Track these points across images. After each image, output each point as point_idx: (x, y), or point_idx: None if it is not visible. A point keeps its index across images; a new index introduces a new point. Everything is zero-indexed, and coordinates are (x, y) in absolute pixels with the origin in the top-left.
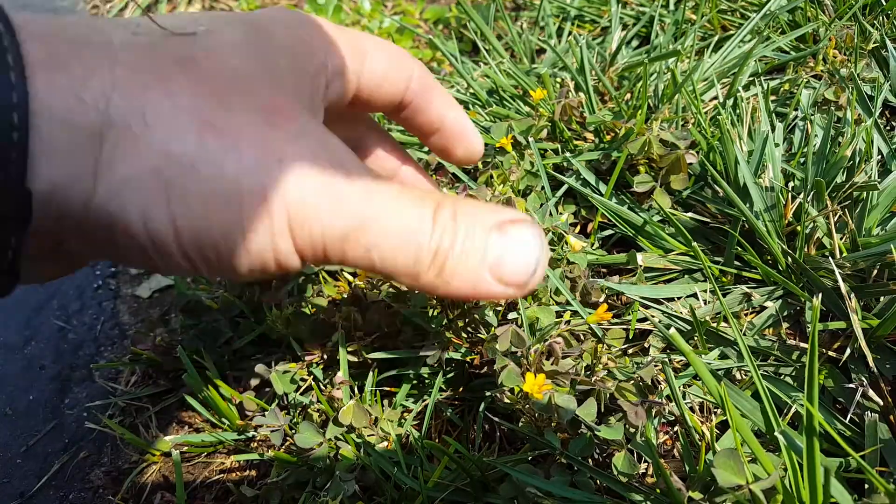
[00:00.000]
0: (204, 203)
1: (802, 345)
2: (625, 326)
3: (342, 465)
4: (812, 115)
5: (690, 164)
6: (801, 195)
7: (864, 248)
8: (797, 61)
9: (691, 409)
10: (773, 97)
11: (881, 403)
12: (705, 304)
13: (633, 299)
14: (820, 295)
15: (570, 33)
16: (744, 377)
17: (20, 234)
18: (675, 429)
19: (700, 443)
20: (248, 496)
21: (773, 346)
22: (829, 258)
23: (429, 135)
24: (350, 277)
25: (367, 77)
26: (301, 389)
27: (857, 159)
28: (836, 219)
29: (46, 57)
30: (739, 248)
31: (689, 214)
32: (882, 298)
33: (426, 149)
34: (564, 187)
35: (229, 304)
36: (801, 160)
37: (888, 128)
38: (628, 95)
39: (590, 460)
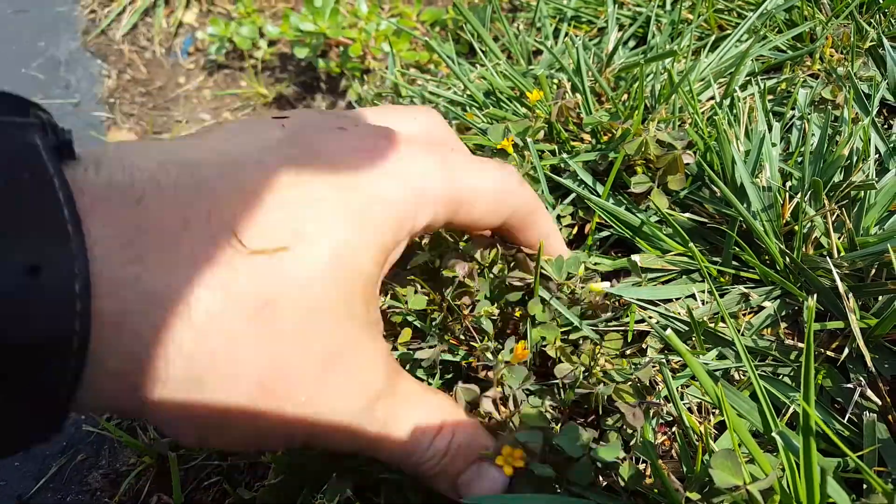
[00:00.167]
0: (236, 438)
1: (800, 345)
2: (622, 328)
3: (340, 467)
4: (809, 114)
5: (688, 164)
6: (799, 195)
7: (861, 247)
8: (794, 60)
9: (689, 409)
10: (770, 97)
11: (879, 403)
12: (703, 304)
13: (632, 301)
14: (815, 295)
15: (566, 34)
16: (742, 377)
17: (55, 432)
18: (673, 429)
19: (698, 443)
20: (244, 498)
21: (771, 347)
22: (827, 258)
23: (524, 247)
24: None
25: (460, 219)
26: None
27: (855, 158)
28: (833, 218)
29: (117, 315)
30: (737, 249)
31: (687, 215)
32: (880, 298)
33: None
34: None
35: None
36: (799, 159)
37: (886, 126)
38: (625, 96)
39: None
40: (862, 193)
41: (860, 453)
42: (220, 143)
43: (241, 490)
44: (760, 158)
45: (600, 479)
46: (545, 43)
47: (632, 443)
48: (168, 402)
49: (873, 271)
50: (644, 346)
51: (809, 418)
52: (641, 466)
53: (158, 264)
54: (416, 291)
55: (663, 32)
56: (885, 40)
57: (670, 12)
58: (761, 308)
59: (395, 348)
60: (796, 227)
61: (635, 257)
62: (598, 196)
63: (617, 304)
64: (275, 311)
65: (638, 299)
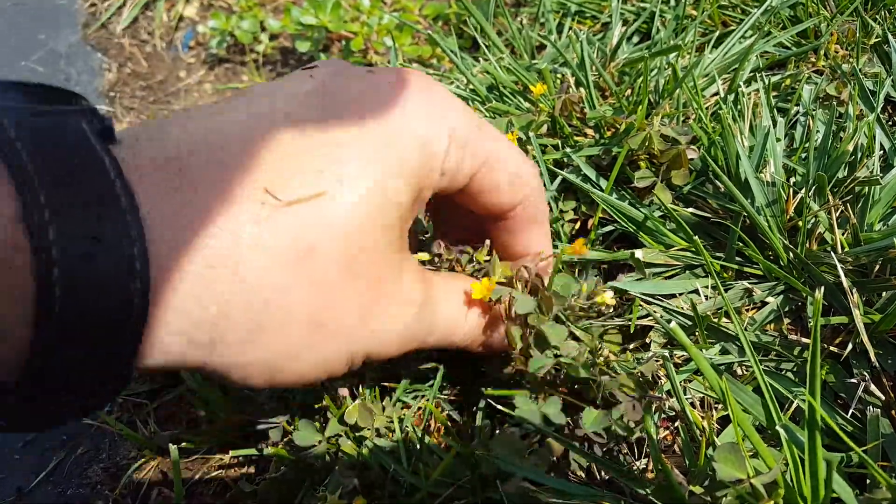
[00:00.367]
0: (299, 370)
1: (804, 340)
2: (626, 323)
3: (342, 461)
4: (814, 110)
5: (691, 159)
6: (803, 190)
7: (866, 242)
8: (798, 56)
9: (692, 404)
10: (774, 92)
11: (883, 398)
12: (706, 299)
13: (635, 296)
14: (822, 288)
15: (570, 29)
16: (745, 372)
17: (118, 391)
18: (676, 424)
19: (701, 438)
20: (246, 491)
21: (775, 342)
22: (831, 253)
23: (505, 258)
24: None
25: (479, 180)
26: None
27: (859, 154)
28: (837, 214)
29: (171, 278)
30: (741, 244)
31: (690, 210)
32: (884, 293)
33: None
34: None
35: None
36: (803, 155)
37: (890, 123)
38: (629, 91)
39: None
40: (866, 189)
41: (864, 448)
42: (250, 104)
43: (243, 483)
44: (765, 154)
45: (603, 474)
46: (549, 37)
47: (633, 437)
48: (230, 353)
49: (877, 267)
50: (647, 340)
51: (815, 412)
52: (644, 462)
53: (203, 227)
54: None
55: (667, 28)
56: (890, 37)
57: (674, 8)
58: (764, 303)
59: None
60: (800, 223)
61: (638, 252)
62: (602, 191)
63: (622, 298)
64: (317, 257)
65: (641, 294)
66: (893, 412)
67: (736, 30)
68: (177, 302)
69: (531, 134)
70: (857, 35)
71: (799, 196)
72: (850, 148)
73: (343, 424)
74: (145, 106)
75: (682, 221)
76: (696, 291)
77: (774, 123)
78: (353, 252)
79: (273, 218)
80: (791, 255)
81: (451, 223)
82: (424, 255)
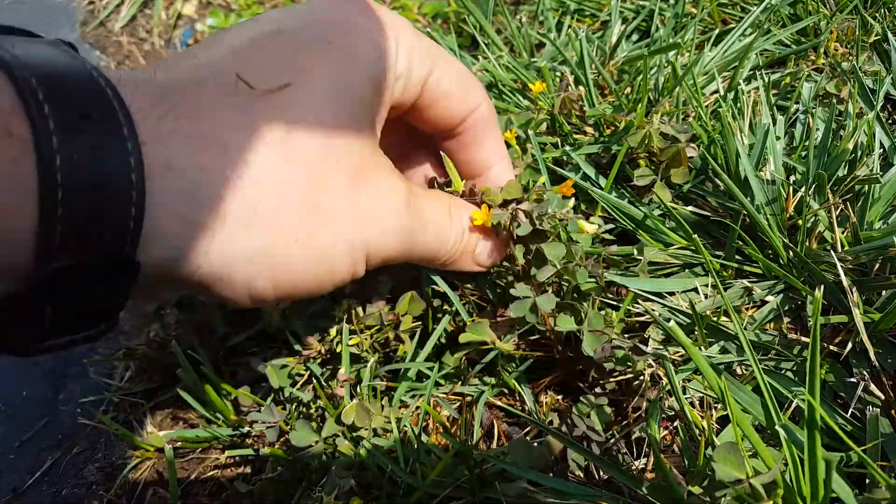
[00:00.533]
0: (304, 266)
1: (804, 339)
2: (623, 319)
3: (339, 461)
4: (813, 108)
5: (691, 157)
6: (803, 189)
7: (865, 241)
8: (798, 55)
9: (691, 403)
10: (774, 91)
11: (882, 398)
12: (706, 298)
13: (634, 292)
14: (822, 287)
15: (569, 27)
16: (744, 372)
17: (126, 292)
18: (675, 424)
19: (700, 437)
20: (241, 492)
21: (774, 341)
22: (831, 252)
23: (467, 176)
24: None
25: (432, 87)
26: (298, 384)
27: (859, 152)
28: (837, 212)
29: (165, 161)
30: (740, 242)
31: (690, 208)
32: (884, 292)
33: None
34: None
35: None
36: (803, 154)
37: (890, 121)
38: (628, 89)
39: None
40: (866, 188)
41: (863, 447)
42: (232, 32)
43: (239, 483)
44: (764, 152)
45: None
46: (548, 35)
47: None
48: (229, 242)
49: (877, 266)
50: (646, 336)
51: (815, 411)
52: (643, 461)
53: (189, 123)
54: None
55: (667, 26)
56: (889, 35)
57: (674, 6)
58: (764, 302)
59: (399, 339)
60: (800, 222)
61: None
62: (601, 189)
63: (617, 293)
64: (297, 139)
65: (640, 290)
66: (893, 412)
67: (735, 27)
68: (170, 183)
69: (530, 132)
70: (857, 33)
71: (799, 194)
72: (850, 146)
73: (340, 424)
74: None
75: (681, 220)
76: (695, 290)
77: (774, 121)
78: (329, 136)
79: (249, 105)
80: (791, 253)
81: (413, 165)
82: None
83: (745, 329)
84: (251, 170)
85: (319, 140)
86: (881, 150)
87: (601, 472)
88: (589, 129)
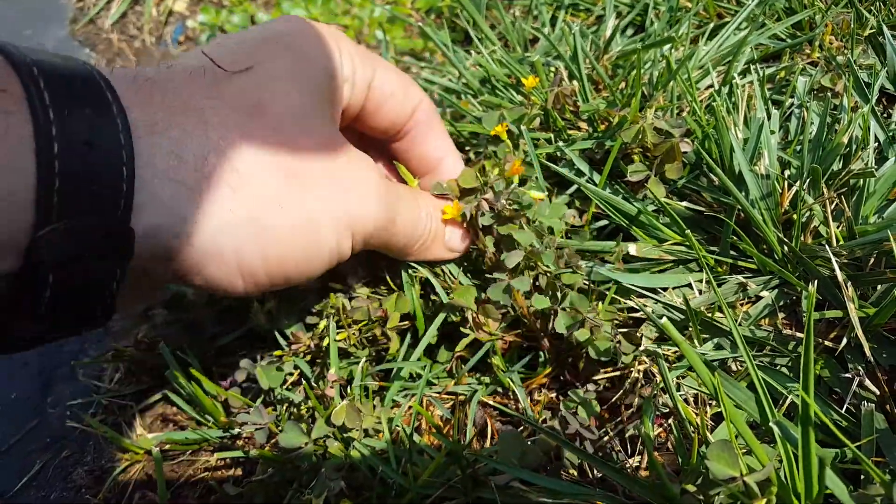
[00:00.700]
0: (290, 234)
1: (798, 335)
2: (616, 318)
3: (329, 463)
4: (808, 102)
5: (685, 152)
6: (798, 183)
7: (860, 235)
8: (793, 48)
9: (686, 400)
10: (769, 85)
11: (877, 393)
12: (700, 294)
13: (628, 288)
14: (816, 282)
15: (563, 22)
16: (739, 368)
17: (123, 267)
18: (669, 421)
19: (694, 435)
20: (230, 494)
21: (769, 337)
22: (826, 246)
23: (421, 173)
24: None
25: (377, 90)
26: (287, 384)
27: (854, 146)
28: (832, 207)
29: (148, 123)
30: (735, 238)
31: (685, 204)
32: (879, 287)
33: None
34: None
35: (214, 299)
36: (798, 148)
37: (885, 115)
38: (623, 84)
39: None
40: (861, 181)
41: (858, 443)
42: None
43: (228, 486)
44: (759, 146)
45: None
46: (542, 30)
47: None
48: (216, 211)
49: (872, 260)
50: (639, 333)
51: (808, 408)
52: (637, 459)
53: (164, 96)
54: None
55: (661, 20)
56: (885, 28)
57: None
58: (759, 298)
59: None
60: (795, 216)
61: (631, 246)
62: (595, 185)
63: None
64: (269, 111)
65: (633, 285)
66: (888, 407)
67: (730, 21)
68: (155, 143)
69: (523, 127)
70: (852, 26)
71: (794, 189)
72: (845, 140)
73: (330, 425)
74: None
75: (675, 215)
76: (689, 286)
77: (769, 115)
78: (297, 109)
79: (217, 82)
80: (785, 248)
81: None
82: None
83: (740, 325)
84: (228, 133)
85: (288, 110)
86: (876, 143)
87: (595, 470)
88: (583, 125)
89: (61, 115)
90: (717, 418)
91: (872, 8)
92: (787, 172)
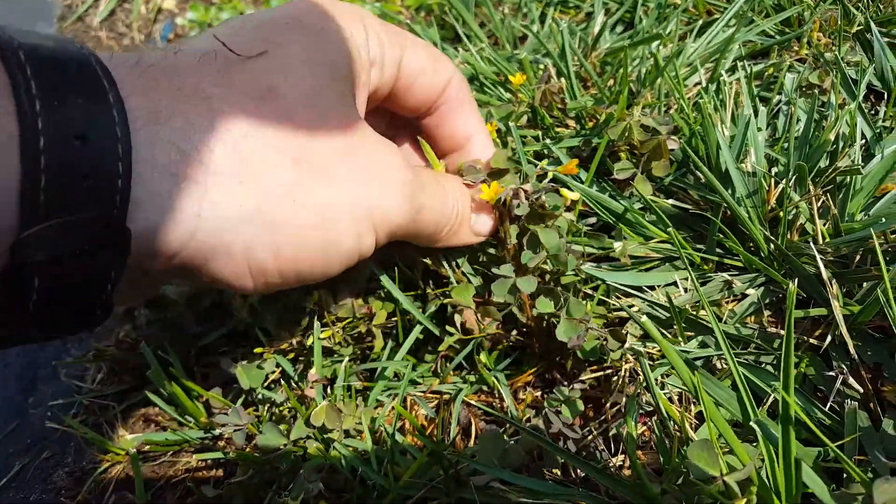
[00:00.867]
0: (304, 230)
1: (784, 332)
2: (603, 315)
3: (308, 464)
4: (796, 99)
5: (672, 150)
6: (784, 181)
7: (846, 233)
8: (781, 45)
9: (670, 399)
10: (757, 81)
11: (861, 391)
12: (686, 291)
13: (613, 286)
14: (797, 280)
15: (552, 19)
16: (724, 366)
17: (119, 265)
18: (654, 419)
19: (677, 433)
20: (209, 496)
21: (754, 335)
22: (811, 244)
23: (449, 150)
24: None
25: (406, 68)
26: (268, 382)
27: (841, 143)
28: (819, 204)
29: (149, 112)
30: (721, 236)
31: (671, 201)
32: (864, 284)
33: None
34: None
35: (196, 297)
36: (785, 145)
37: (872, 112)
38: (611, 81)
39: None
40: (848, 179)
41: (841, 442)
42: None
43: (206, 488)
44: (746, 143)
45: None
46: (531, 27)
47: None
48: (221, 201)
49: (858, 257)
50: (624, 331)
51: (788, 408)
52: (621, 458)
53: (169, 81)
54: None
55: (650, 17)
56: (872, 25)
57: None
58: (745, 295)
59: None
60: (781, 214)
61: (617, 244)
62: (582, 183)
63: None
64: (280, 95)
65: (618, 284)
66: (872, 405)
67: (719, 18)
68: (155, 134)
69: (511, 124)
70: (840, 23)
71: (780, 186)
72: (832, 137)
73: (310, 426)
74: None
75: (661, 213)
76: (675, 283)
77: (756, 112)
78: (311, 94)
79: (228, 68)
80: (772, 246)
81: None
82: None
83: (725, 322)
84: (237, 122)
85: (303, 95)
86: (863, 140)
87: (578, 470)
88: (571, 122)
89: (50, 106)
90: (702, 416)
91: (860, 4)
92: (774, 170)
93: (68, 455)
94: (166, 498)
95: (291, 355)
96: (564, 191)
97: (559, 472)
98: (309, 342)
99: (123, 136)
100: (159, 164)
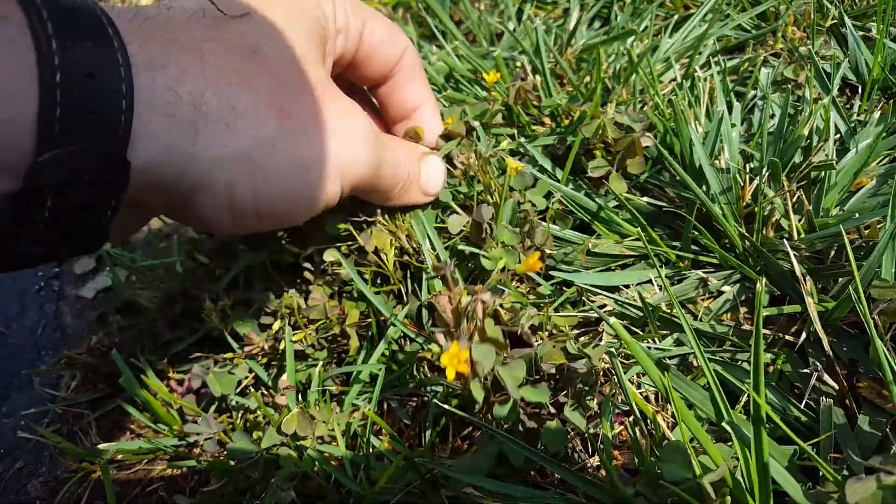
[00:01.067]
0: (282, 172)
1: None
2: (577, 314)
3: (281, 472)
4: (771, 94)
5: (647, 147)
6: (759, 177)
7: (821, 228)
8: (757, 40)
9: (647, 398)
10: (732, 77)
11: (836, 388)
12: (660, 289)
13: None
14: (771, 277)
15: (528, 15)
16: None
17: (118, 196)
18: (631, 418)
19: (652, 433)
20: None
21: (729, 332)
22: (785, 240)
23: (399, 119)
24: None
25: (366, 39)
26: (241, 388)
27: (815, 138)
28: (794, 200)
29: (148, 59)
30: (696, 233)
31: (646, 199)
32: (839, 280)
33: None
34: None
35: (168, 302)
36: (760, 140)
37: (847, 106)
38: (587, 78)
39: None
40: (822, 174)
41: (816, 440)
42: None
43: (179, 497)
44: (720, 139)
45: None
46: (506, 24)
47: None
48: (211, 145)
49: (832, 253)
50: (600, 330)
51: (759, 408)
52: (597, 459)
53: (164, 33)
54: None
55: (626, 12)
56: (846, 18)
57: None
58: (721, 293)
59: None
60: (756, 210)
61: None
62: (558, 181)
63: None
64: (264, 53)
65: (590, 285)
66: (847, 402)
67: (696, 13)
68: (153, 79)
69: (477, 124)
70: (814, 17)
71: (755, 182)
72: (806, 132)
73: (282, 434)
74: None
75: (635, 211)
76: (650, 281)
77: (730, 108)
78: (291, 54)
79: (216, 25)
80: (746, 243)
81: None
82: None
83: (700, 320)
84: (227, 73)
85: (283, 56)
86: (837, 135)
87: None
88: (547, 120)
89: (64, 46)
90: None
91: None
92: (749, 166)
93: (42, 465)
94: None
95: (264, 360)
96: (509, 159)
97: (535, 475)
98: (281, 346)
99: (126, 78)
100: (157, 105)
